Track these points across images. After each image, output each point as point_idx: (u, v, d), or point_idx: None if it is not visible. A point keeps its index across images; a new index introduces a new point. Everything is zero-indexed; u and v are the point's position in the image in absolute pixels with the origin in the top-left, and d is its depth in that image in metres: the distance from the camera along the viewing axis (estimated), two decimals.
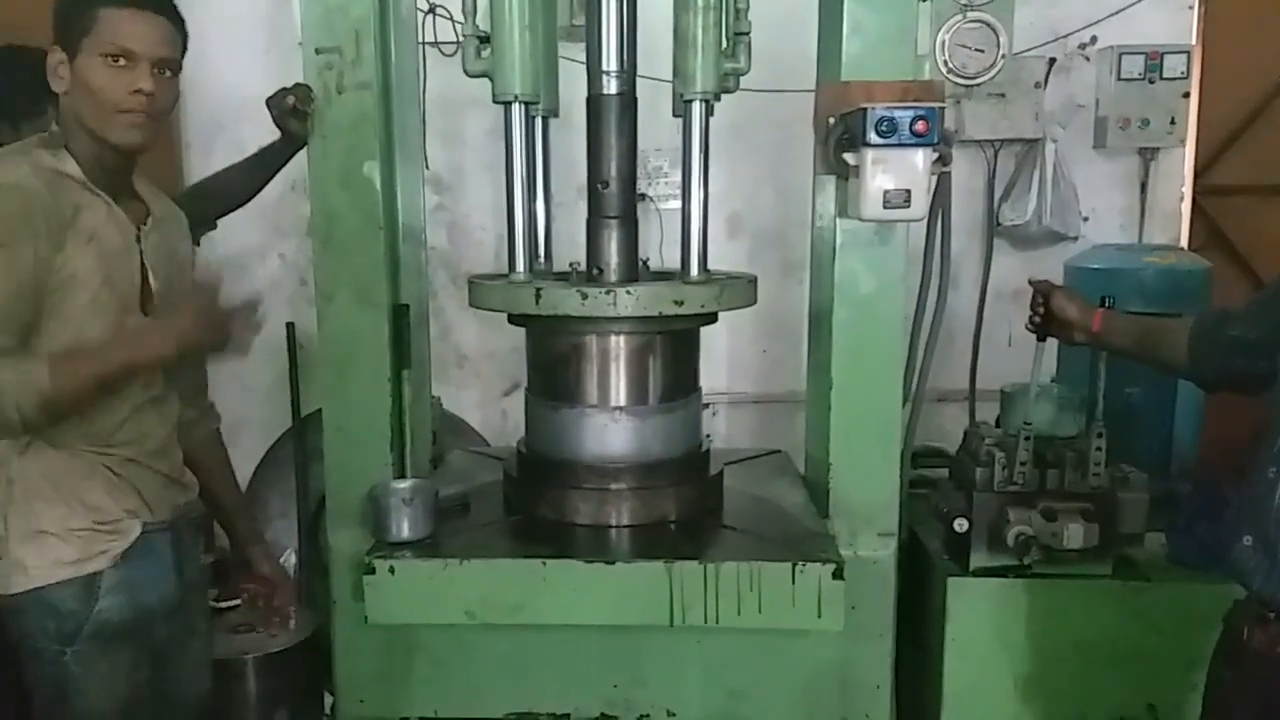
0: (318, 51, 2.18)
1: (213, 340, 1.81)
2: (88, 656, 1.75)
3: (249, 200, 2.50)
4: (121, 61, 1.71)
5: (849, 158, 2.05)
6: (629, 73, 2.34)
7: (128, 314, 1.78)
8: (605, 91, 2.34)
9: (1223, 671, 1.70)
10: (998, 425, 2.45)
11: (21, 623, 1.74)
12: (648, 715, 2.30)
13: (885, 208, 2.01)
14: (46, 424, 1.66)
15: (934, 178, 2.09)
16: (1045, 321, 2.15)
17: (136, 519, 1.81)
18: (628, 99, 2.36)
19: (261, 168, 2.41)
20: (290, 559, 3.35)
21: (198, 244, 2.56)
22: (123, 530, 1.79)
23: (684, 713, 2.31)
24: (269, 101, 2.19)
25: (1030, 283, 2.21)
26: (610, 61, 2.32)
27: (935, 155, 2.03)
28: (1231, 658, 1.66)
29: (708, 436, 2.54)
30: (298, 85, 2.16)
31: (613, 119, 2.35)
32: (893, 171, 2.00)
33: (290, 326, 3.43)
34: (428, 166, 2.78)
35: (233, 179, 2.47)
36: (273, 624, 2.66)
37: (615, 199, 2.38)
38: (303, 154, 2.27)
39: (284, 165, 2.37)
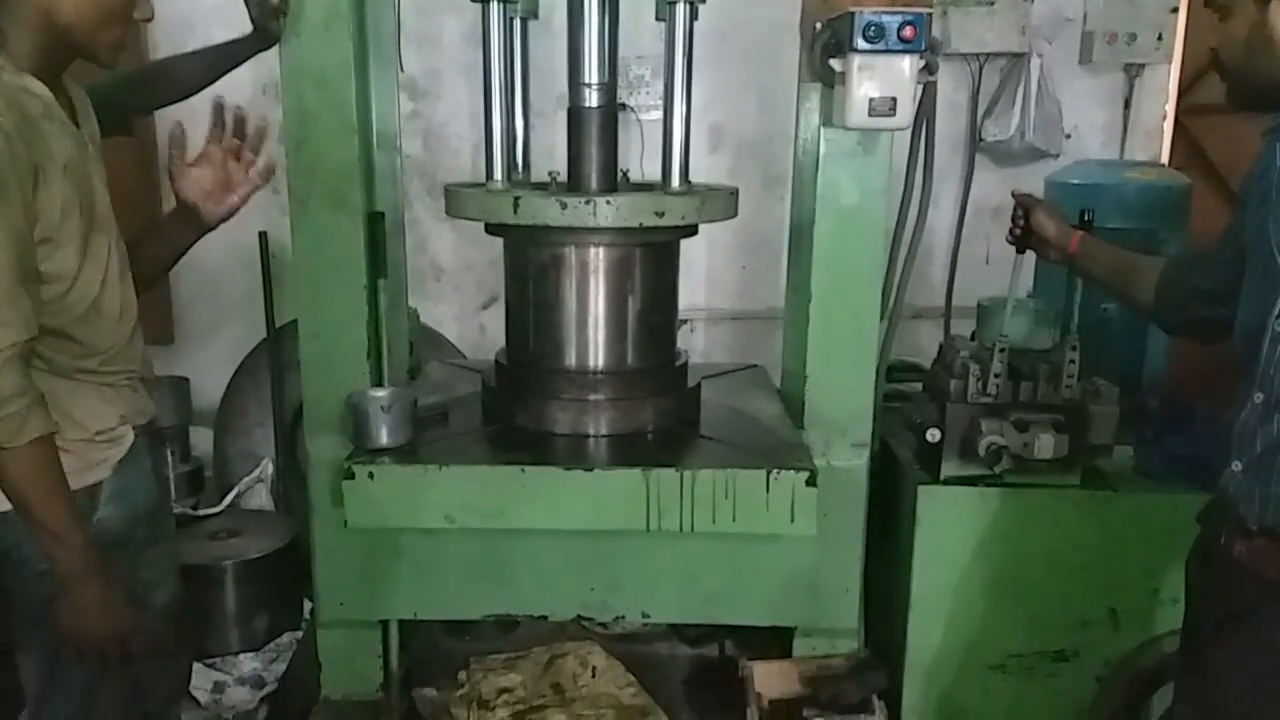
0: None
1: (89, 634, 1.66)
2: None
3: (195, 94, 2.27)
4: None
5: (835, 64, 2.02)
6: (609, 85, 2.30)
7: (99, 234, 1.67)
8: (585, 104, 2.30)
9: (1195, 571, 1.74)
10: (973, 340, 2.47)
11: (10, 538, 1.67)
12: (623, 617, 2.36)
13: (870, 115, 1.99)
14: None
15: (920, 87, 2.07)
16: (1025, 235, 2.15)
17: (129, 425, 1.79)
18: (608, 112, 2.32)
19: (220, 61, 2.23)
20: (268, 468, 3.36)
21: (130, 133, 2.44)
22: (118, 438, 1.77)
23: (659, 615, 2.37)
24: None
25: (1013, 194, 2.20)
26: (591, 74, 2.28)
27: (922, 63, 2.00)
28: (1205, 558, 1.70)
29: (685, 351, 2.55)
30: None
31: (594, 131, 2.33)
32: (879, 78, 1.97)
33: (263, 236, 3.38)
34: (402, 69, 2.71)
35: (186, 68, 2.27)
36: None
37: None
38: (273, 56, 2.20)
39: (243, 63, 2.23)
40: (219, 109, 1.96)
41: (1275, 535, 1.53)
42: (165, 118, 3.46)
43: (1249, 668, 1.59)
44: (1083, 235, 2.07)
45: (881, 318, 2.36)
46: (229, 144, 1.95)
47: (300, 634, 2.92)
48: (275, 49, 2.16)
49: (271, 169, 2.02)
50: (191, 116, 2.06)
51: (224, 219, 1.98)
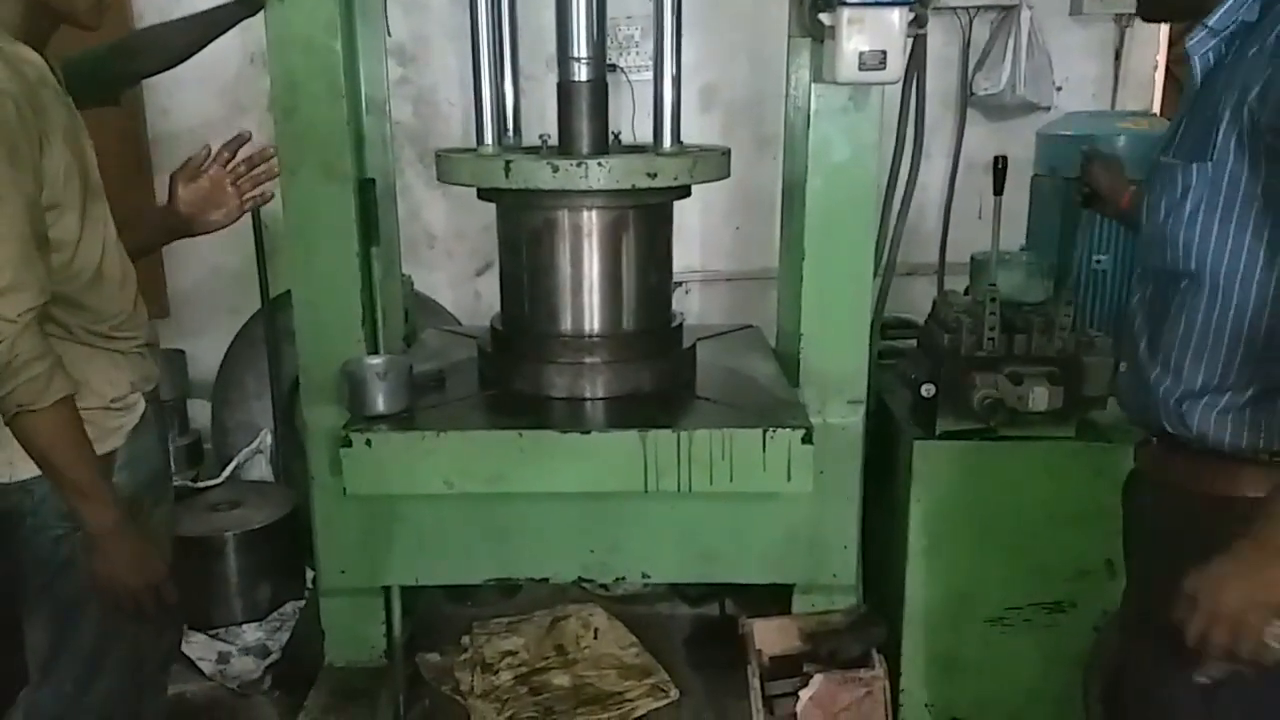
0: None
1: (127, 586, 1.68)
2: None
3: (181, 63, 2.25)
4: None
5: (824, 18, 2.00)
6: (598, 57, 2.28)
7: (96, 201, 1.67)
8: (575, 78, 2.28)
9: (1125, 493, 1.80)
10: (966, 294, 2.47)
11: (27, 504, 1.68)
12: (624, 578, 2.38)
13: (861, 69, 1.98)
14: None
15: (910, 40, 2.05)
16: (1089, 196, 2.19)
17: (139, 393, 1.80)
18: (598, 85, 2.30)
19: (205, 29, 2.20)
20: (266, 439, 3.37)
21: (118, 103, 2.42)
22: (131, 405, 1.78)
23: (659, 575, 2.39)
24: None
25: (1082, 150, 2.25)
26: (580, 48, 2.25)
27: (911, 16, 1.99)
28: (1134, 477, 1.76)
29: (680, 313, 2.55)
30: None
31: (584, 106, 2.31)
32: (869, 32, 1.95)
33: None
34: (389, 34, 2.68)
35: (169, 36, 2.24)
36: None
37: None
38: (261, 26, 2.17)
39: (228, 30, 2.21)
40: (238, 140, 2.10)
41: (1162, 436, 1.57)
42: (155, 95, 3.49)
43: (1138, 562, 1.68)
44: (1134, 191, 2.09)
45: (875, 274, 2.36)
46: (234, 170, 2.10)
47: (303, 603, 2.94)
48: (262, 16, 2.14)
49: (266, 199, 2.17)
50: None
51: (207, 231, 2.12)
